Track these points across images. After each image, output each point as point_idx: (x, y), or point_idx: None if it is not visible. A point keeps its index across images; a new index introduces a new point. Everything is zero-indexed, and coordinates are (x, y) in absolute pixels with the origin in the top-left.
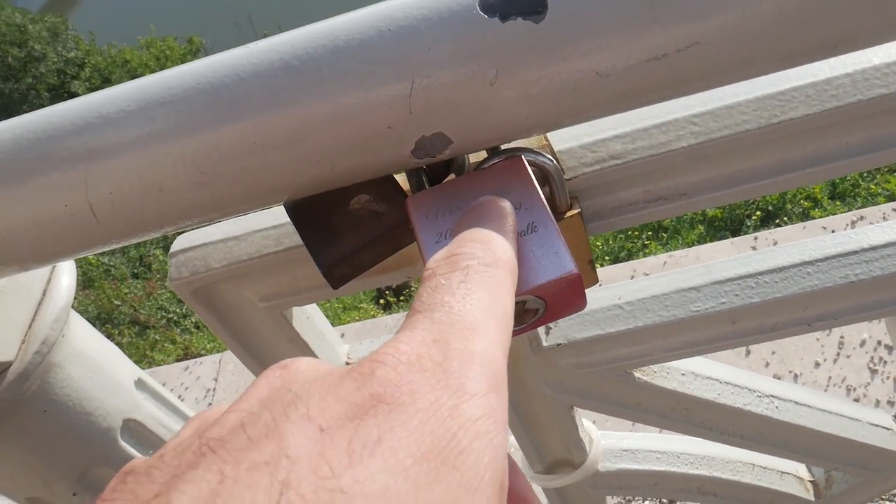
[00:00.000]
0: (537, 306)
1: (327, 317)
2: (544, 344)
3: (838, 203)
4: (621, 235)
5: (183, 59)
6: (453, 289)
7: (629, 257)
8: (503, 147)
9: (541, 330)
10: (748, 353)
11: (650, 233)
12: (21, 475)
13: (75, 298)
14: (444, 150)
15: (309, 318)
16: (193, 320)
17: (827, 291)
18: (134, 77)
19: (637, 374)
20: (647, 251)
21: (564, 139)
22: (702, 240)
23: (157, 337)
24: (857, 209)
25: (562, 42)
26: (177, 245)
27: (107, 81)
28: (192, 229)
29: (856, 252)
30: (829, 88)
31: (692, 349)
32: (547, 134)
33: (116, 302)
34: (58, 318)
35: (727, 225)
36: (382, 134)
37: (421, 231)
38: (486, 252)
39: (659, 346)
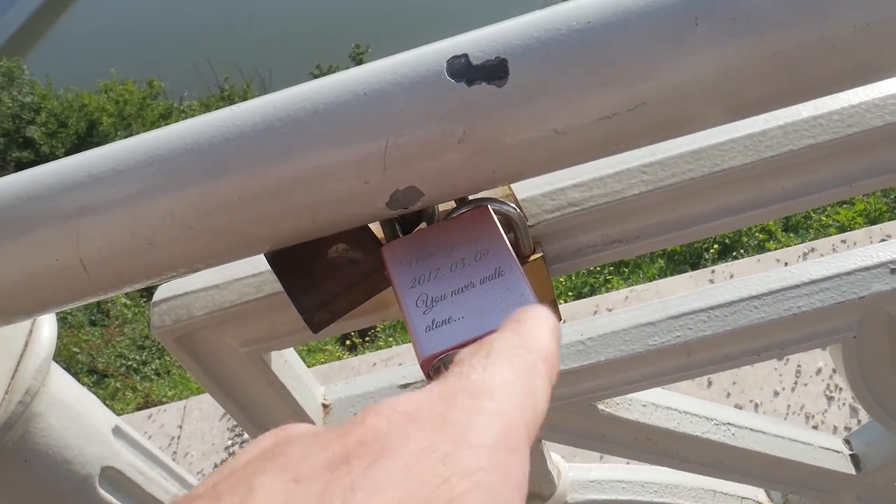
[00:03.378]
0: None
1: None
2: None
3: (792, 235)
4: (584, 271)
5: (142, 103)
6: (474, 363)
7: (592, 292)
8: (471, 197)
9: None
10: (710, 384)
11: (612, 268)
12: None
13: None
14: (416, 202)
15: (287, 362)
16: (154, 367)
17: (772, 323)
18: (91, 121)
19: (601, 407)
20: (609, 286)
21: (527, 188)
22: (662, 273)
23: (116, 385)
24: (809, 240)
25: (522, 104)
26: (159, 294)
27: (63, 126)
28: (175, 278)
29: (797, 286)
30: (764, 139)
31: (652, 381)
32: (511, 184)
33: (74, 350)
34: (40, 369)
35: (686, 259)
36: (359, 189)
37: (396, 277)
38: (515, 337)
39: (620, 379)
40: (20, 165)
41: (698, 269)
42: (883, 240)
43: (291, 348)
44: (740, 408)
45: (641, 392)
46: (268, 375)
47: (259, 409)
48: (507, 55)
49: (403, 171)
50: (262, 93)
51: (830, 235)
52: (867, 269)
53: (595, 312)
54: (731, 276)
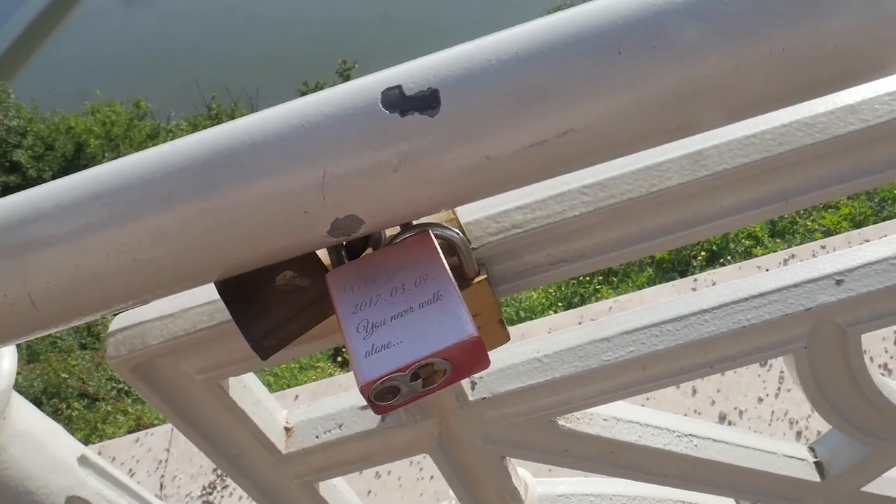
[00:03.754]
0: (444, 367)
1: (284, 377)
2: (470, 399)
3: (778, 240)
4: (573, 281)
5: (129, 124)
6: None
7: (582, 302)
8: (415, 222)
9: (466, 385)
10: (694, 392)
11: (601, 277)
12: None
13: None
14: (357, 230)
15: (246, 387)
16: None
17: (723, 336)
18: (79, 143)
19: (561, 422)
20: (599, 295)
21: (472, 211)
22: (651, 281)
23: (108, 408)
24: (796, 245)
25: (454, 133)
26: (115, 324)
27: (50, 149)
28: (126, 310)
29: (746, 299)
30: (700, 159)
31: (609, 395)
32: (452, 208)
33: (64, 375)
34: None
35: (675, 266)
36: (300, 218)
37: (339, 303)
38: None
39: (577, 394)
40: (7, 189)
41: (686, 275)
42: (862, 244)
43: (251, 373)
44: (725, 415)
45: (602, 406)
46: (226, 402)
47: (220, 436)
48: (438, 86)
49: (342, 200)
50: (250, 111)
51: (816, 239)
52: (813, 280)
53: (580, 323)
54: (714, 284)
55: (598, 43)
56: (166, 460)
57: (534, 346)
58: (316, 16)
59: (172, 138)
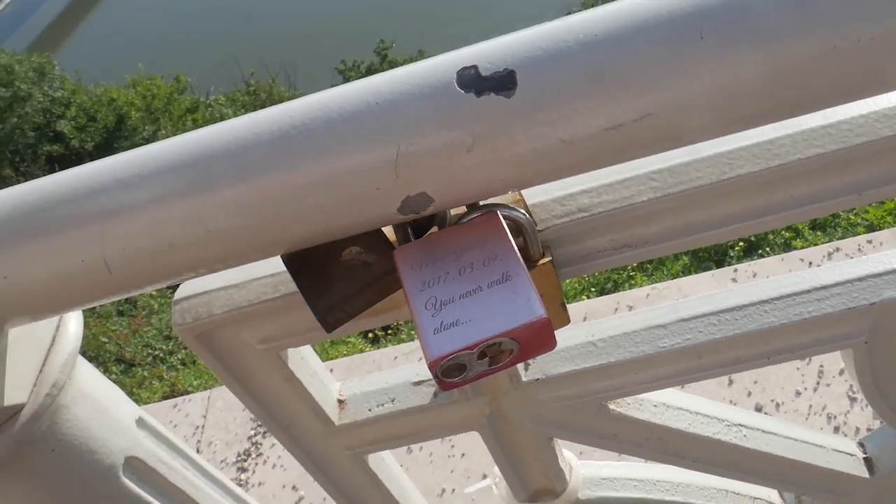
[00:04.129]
0: (511, 347)
1: (315, 351)
2: (524, 379)
3: (819, 233)
4: None
5: (169, 98)
6: None
7: (615, 288)
8: (481, 202)
9: (520, 367)
10: (731, 382)
11: (635, 265)
12: None
13: None
14: (427, 208)
15: (303, 359)
16: (180, 357)
17: (783, 327)
18: (120, 115)
19: (611, 406)
20: (632, 282)
21: (537, 193)
22: (686, 271)
23: (143, 374)
24: (837, 239)
25: (529, 114)
26: (181, 292)
27: (92, 120)
28: (195, 278)
29: (808, 291)
30: (773, 148)
31: (662, 382)
32: (520, 189)
33: (102, 339)
34: (66, 363)
35: (711, 256)
36: (371, 195)
37: (407, 280)
38: None
39: (630, 379)
40: (51, 159)
41: (723, 266)
42: None
43: (308, 345)
44: (761, 407)
45: (653, 392)
46: (284, 372)
47: (276, 404)
48: (515, 66)
49: (414, 178)
50: (288, 87)
51: (859, 234)
52: (879, 275)
53: (616, 310)
54: (755, 276)
55: (680, 27)
56: (203, 426)
57: (588, 329)
58: None
59: (211, 113)
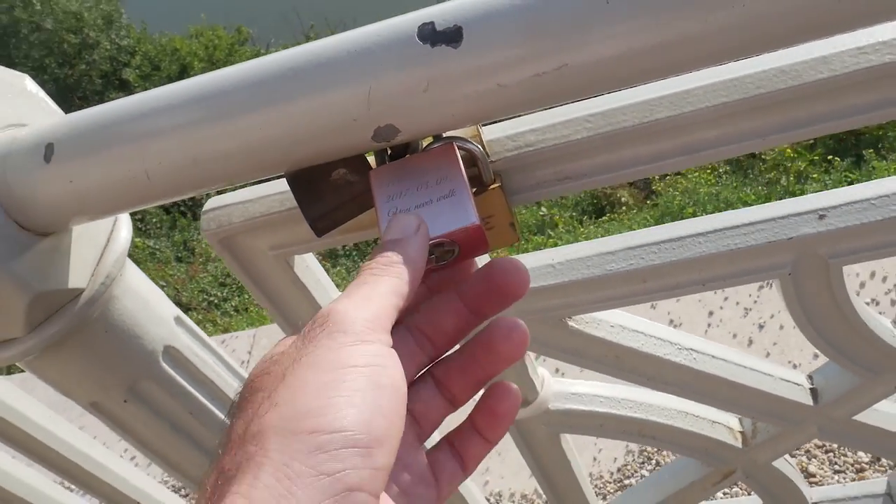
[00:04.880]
0: (453, 248)
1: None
2: None
3: None
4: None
5: (230, 49)
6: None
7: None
8: (444, 135)
9: None
10: (751, 342)
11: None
12: (85, 382)
13: None
14: (395, 137)
15: (308, 267)
16: (233, 304)
17: (714, 257)
18: (183, 65)
19: (570, 323)
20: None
21: (493, 131)
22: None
23: (199, 318)
24: None
25: (472, 62)
26: (208, 205)
27: (156, 69)
28: (216, 190)
29: (737, 227)
30: (687, 96)
31: (612, 302)
32: (480, 126)
33: (161, 283)
34: (118, 260)
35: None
36: (350, 124)
37: (376, 194)
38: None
39: (584, 298)
40: None
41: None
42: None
43: (312, 255)
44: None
45: (611, 313)
46: (291, 276)
47: (286, 304)
48: (462, 23)
49: (383, 111)
50: None
51: None
52: (797, 214)
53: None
54: None
55: None
56: (248, 361)
57: (550, 254)
58: None
59: None
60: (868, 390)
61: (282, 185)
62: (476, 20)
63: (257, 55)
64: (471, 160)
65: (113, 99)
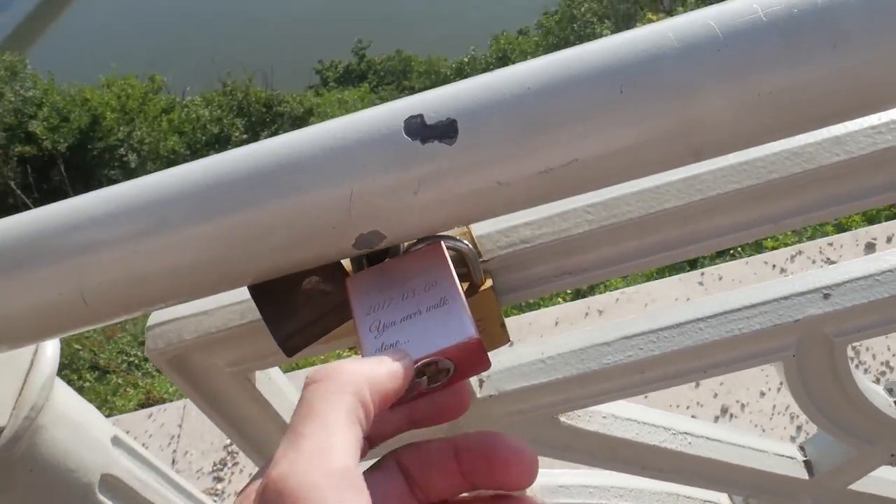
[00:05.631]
0: (448, 366)
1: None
2: (478, 396)
3: (790, 233)
4: None
5: (144, 98)
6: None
7: (591, 291)
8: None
9: (475, 383)
10: (698, 385)
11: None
12: None
13: None
14: (379, 243)
15: (271, 380)
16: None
17: (716, 343)
18: (94, 115)
19: (563, 419)
20: (608, 284)
21: (484, 225)
22: (660, 272)
23: (118, 381)
24: (807, 239)
25: (469, 160)
26: (153, 319)
27: (66, 121)
28: (169, 306)
29: (738, 309)
30: (695, 183)
31: (608, 395)
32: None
33: (76, 346)
34: (44, 385)
35: None
36: (328, 233)
37: (355, 306)
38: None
39: (578, 394)
40: (22, 160)
41: (696, 267)
42: (869, 242)
43: (276, 367)
44: (727, 408)
45: (602, 405)
46: (253, 393)
47: (246, 425)
48: (456, 116)
49: (366, 218)
50: (265, 88)
51: (828, 234)
52: (802, 294)
53: (586, 314)
54: (720, 279)
55: (602, 82)
56: (178, 436)
57: (539, 347)
58: None
59: (187, 114)
60: (864, 460)
61: (239, 292)
62: (471, 112)
63: (172, 103)
64: (459, 258)
65: (17, 154)
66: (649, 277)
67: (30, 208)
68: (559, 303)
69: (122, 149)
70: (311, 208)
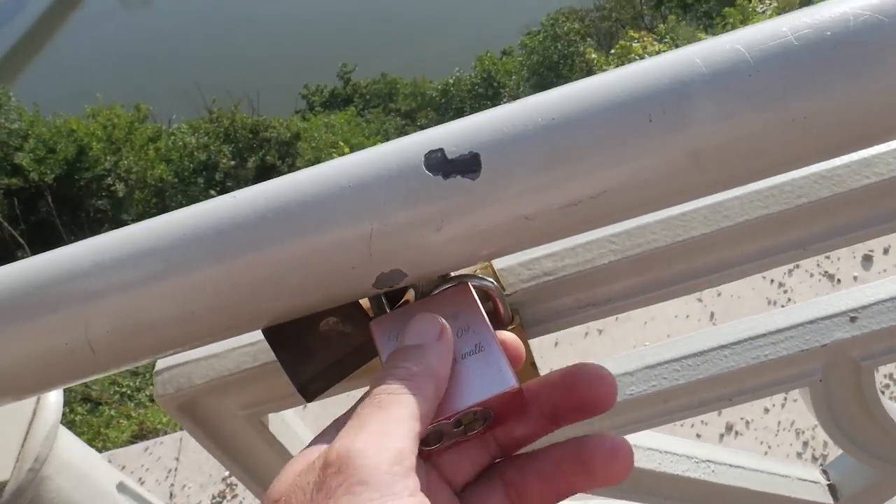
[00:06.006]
0: (486, 415)
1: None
2: None
3: None
4: None
5: (130, 127)
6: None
7: None
8: (452, 274)
9: None
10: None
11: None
12: None
13: None
14: (400, 282)
15: (284, 422)
16: (147, 393)
17: (741, 371)
18: (81, 146)
19: None
20: None
21: (505, 258)
22: None
23: (111, 413)
24: None
25: (493, 195)
26: (161, 363)
27: (52, 152)
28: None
29: (764, 335)
30: (722, 210)
31: (632, 426)
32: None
33: None
34: (48, 435)
35: None
36: (347, 272)
37: (382, 350)
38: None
39: (603, 426)
40: (9, 193)
41: None
42: (866, 254)
43: (290, 409)
44: (732, 425)
45: (625, 436)
46: (266, 436)
47: (260, 469)
48: (479, 150)
49: (387, 256)
50: (251, 114)
51: None
52: (829, 317)
53: (586, 334)
54: (719, 295)
55: (629, 111)
56: (176, 469)
57: None
58: (316, 18)
59: (174, 141)
60: (890, 483)
61: (253, 334)
62: (495, 145)
63: (158, 132)
64: (484, 295)
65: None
66: None
67: (17, 240)
68: None
69: (109, 178)
70: (330, 248)
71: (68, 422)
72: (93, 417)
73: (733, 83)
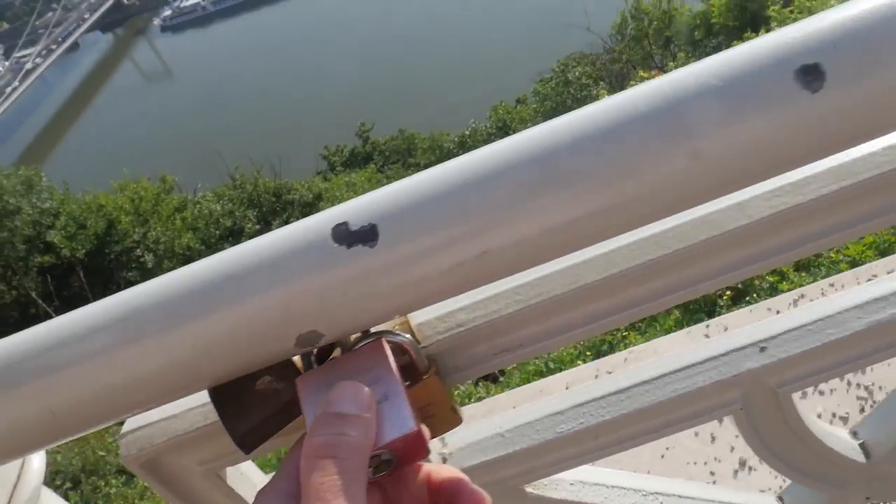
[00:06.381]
0: (391, 457)
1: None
2: None
3: (804, 274)
4: None
5: (157, 198)
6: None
7: (611, 349)
8: (372, 330)
9: (437, 460)
10: (713, 439)
11: (629, 324)
12: None
13: (59, 452)
14: (319, 341)
15: (243, 474)
16: None
17: (662, 404)
18: (110, 220)
19: (529, 489)
20: (627, 341)
21: (422, 313)
22: (679, 324)
23: (145, 485)
24: (821, 278)
25: (390, 259)
26: (126, 427)
27: (82, 228)
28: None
29: (679, 370)
30: (612, 258)
31: (567, 463)
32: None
33: (101, 452)
34: (30, 498)
35: (702, 307)
36: (270, 335)
37: (304, 404)
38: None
39: (538, 463)
40: (42, 270)
41: (713, 315)
42: (869, 279)
43: (249, 460)
44: (745, 461)
45: (569, 471)
46: (224, 489)
47: None
48: (376, 221)
49: (303, 319)
50: (273, 177)
51: (842, 270)
52: (740, 349)
53: (596, 376)
54: (726, 329)
55: (504, 180)
56: None
57: (497, 422)
58: (332, 82)
59: (199, 210)
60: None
61: (203, 396)
62: (389, 216)
63: (184, 201)
64: (402, 349)
65: (37, 264)
66: (668, 329)
67: (51, 316)
68: (579, 363)
69: (138, 250)
70: (253, 314)
71: (104, 494)
72: (127, 489)
73: (594, 164)
